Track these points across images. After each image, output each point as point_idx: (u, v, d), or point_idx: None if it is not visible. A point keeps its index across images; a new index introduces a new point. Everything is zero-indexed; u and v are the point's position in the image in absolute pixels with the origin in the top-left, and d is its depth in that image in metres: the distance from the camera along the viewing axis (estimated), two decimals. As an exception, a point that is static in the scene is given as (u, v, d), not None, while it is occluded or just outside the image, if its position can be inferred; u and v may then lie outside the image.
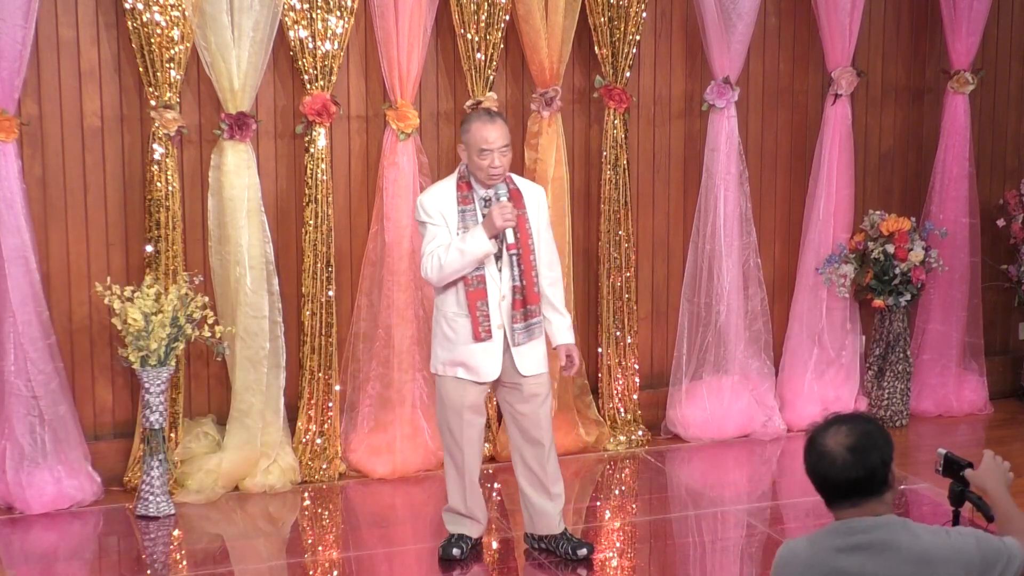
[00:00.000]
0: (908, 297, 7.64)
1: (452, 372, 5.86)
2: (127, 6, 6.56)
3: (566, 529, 6.12)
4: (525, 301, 5.81)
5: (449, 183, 5.86)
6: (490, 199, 5.79)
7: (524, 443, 5.99)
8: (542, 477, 6.00)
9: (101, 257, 6.84)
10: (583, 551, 6.06)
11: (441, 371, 5.90)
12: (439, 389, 5.96)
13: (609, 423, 7.51)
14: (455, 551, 6.04)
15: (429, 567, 6.09)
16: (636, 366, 7.56)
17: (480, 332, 5.77)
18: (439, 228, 5.77)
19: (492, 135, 5.73)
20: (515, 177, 5.96)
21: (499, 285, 5.80)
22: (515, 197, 5.84)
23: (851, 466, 3.51)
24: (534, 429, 5.95)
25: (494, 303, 5.79)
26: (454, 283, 5.78)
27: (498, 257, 5.78)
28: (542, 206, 5.94)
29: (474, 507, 6.08)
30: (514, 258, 5.78)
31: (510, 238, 5.76)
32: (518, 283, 5.80)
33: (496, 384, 5.96)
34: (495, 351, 5.81)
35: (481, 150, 5.72)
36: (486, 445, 7.26)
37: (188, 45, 6.63)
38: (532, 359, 5.89)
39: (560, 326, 6.00)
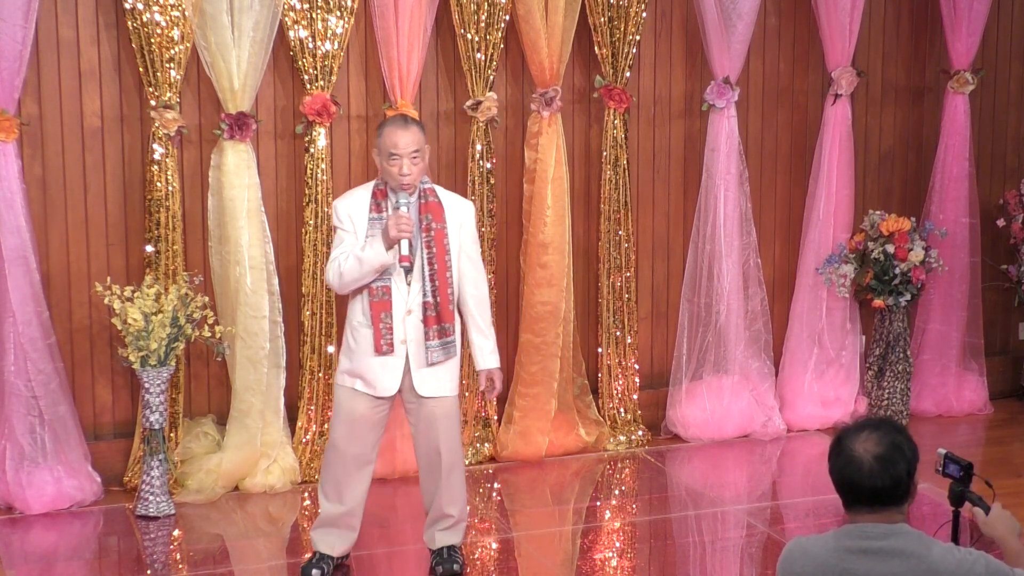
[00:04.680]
0: (908, 297, 7.64)
1: (351, 383, 5.69)
2: (127, 6, 6.56)
3: (446, 547, 5.90)
4: (439, 318, 5.63)
5: (366, 190, 5.72)
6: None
7: (422, 461, 5.84)
8: (435, 498, 5.82)
9: (101, 257, 6.84)
10: (439, 569, 5.86)
11: (340, 380, 5.76)
12: (335, 398, 5.84)
13: (609, 423, 7.51)
14: (315, 572, 5.80)
15: (428, 567, 6.08)
16: (636, 366, 7.57)
17: (382, 345, 5.60)
18: (348, 235, 5.64)
19: (402, 140, 5.54)
20: (441, 191, 5.75)
21: (406, 299, 5.62)
22: (433, 211, 5.64)
23: (877, 475, 3.53)
24: (431, 450, 5.78)
25: (398, 317, 5.61)
26: (360, 292, 5.64)
27: (409, 270, 5.60)
28: (467, 223, 5.75)
29: (349, 520, 5.86)
30: (425, 273, 5.59)
31: (403, 250, 5.51)
32: (431, 299, 5.60)
33: (401, 400, 5.79)
34: (396, 366, 5.64)
35: (390, 155, 5.55)
36: (486, 445, 7.28)
37: (188, 45, 6.63)
38: (432, 380, 5.69)
39: (484, 349, 5.81)
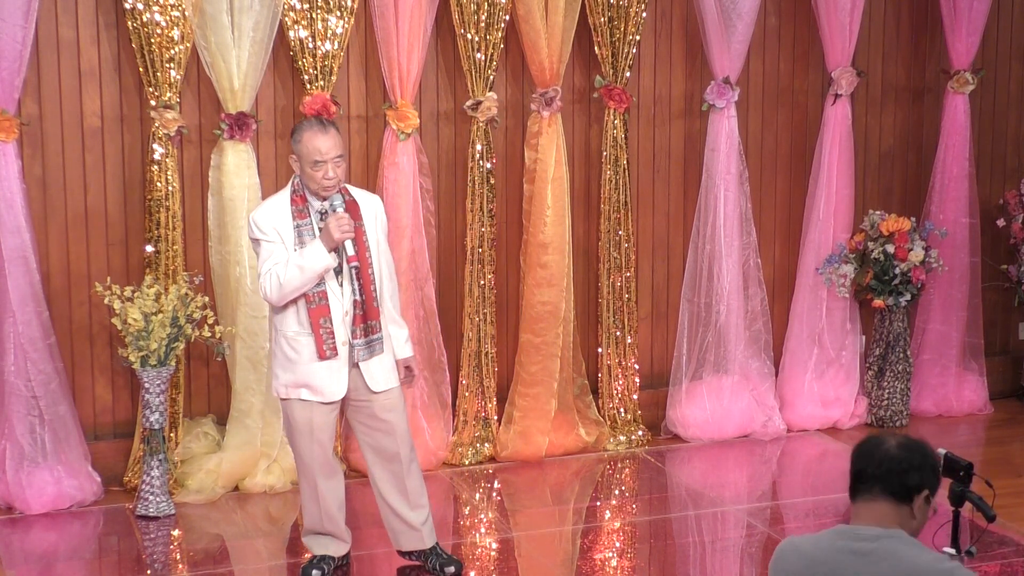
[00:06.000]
0: (908, 297, 7.64)
1: (296, 394, 5.61)
2: (127, 6, 6.56)
3: (436, 544, 5.90)
4: (366, 316, 5.56)
5: (282, 197, 5.60)
6: (326, 212, 5.51)
7: (380, 460, 5.75)
8: (402, 492, 5.78)
9: (101, 257, 6.84)
10: (451, 569, 5.85)
11: (284, 393, 5.66)
12: (285, 412, 5.74)
13: (609, 423, 7.51)
14: (315, 572, 5.81)
15: (428, 568, 6.08)
16: (636, 366, 7.57)
17: (325, 350, 5.53)
18: (275, 245, 5.52)
19: (325, 145, 5.46)
20: (351, 188, 5.70)
21: (342, 300, 5.56)
22: (351, 209, 5.57)
23: (893, 458, 3.53)
24: (390, 444, 5.72)
25: (338, 319, 5.55)
26: (294, 302, 5.54)
27: (338, 272, 5.53)
28: (380, 217, 5.70)
29: (333, 529, 5.86)
30: (354, 271, 5.52)
31: (350, 250, 5.48)
32: (358, 297, 5.54)
33: (344, 402, 5.72)
34: (340, 368, 5.58)
35: (315, 161, 5.46)
36: (486, 445, 7.28)
37: (188, 45, 6.63)
38: (381, 374, 5.66)
39: (399, 338, 5.77)
